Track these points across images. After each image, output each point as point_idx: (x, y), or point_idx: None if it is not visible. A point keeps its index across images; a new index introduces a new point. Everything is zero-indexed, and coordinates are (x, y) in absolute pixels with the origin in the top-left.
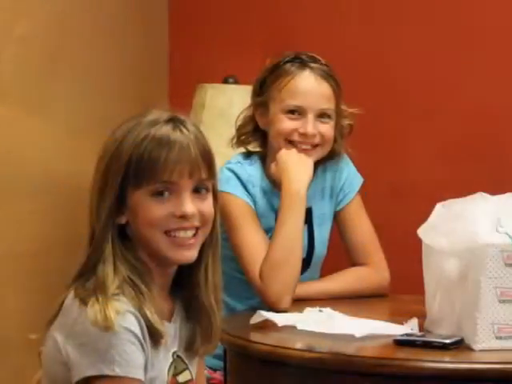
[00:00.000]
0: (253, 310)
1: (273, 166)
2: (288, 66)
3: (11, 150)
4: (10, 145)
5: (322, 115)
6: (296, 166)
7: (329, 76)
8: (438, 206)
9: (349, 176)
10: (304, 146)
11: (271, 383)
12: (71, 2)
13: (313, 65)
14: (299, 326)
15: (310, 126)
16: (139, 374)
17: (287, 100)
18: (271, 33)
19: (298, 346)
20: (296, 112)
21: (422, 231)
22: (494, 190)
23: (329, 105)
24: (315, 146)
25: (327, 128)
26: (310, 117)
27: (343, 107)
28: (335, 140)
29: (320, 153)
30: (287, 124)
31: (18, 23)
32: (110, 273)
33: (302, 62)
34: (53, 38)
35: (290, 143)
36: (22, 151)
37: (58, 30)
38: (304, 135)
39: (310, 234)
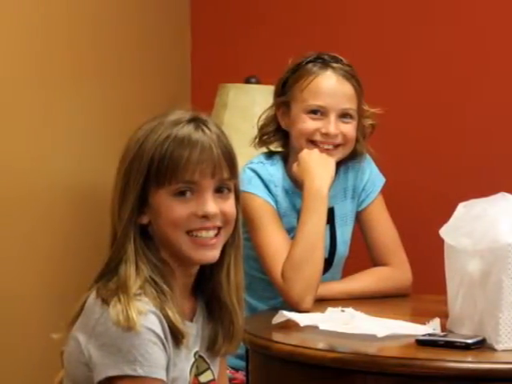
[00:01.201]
0: (275, 310)
1: (295, 166)
2: (310, 65)
3: (36, 159)
4: (35, 154)
5: (344, 115)
6: (318, 166)
7: (351, 76)
8: (460, 206)
9: (371, 176)
10: (326, 146)
11: (293, 383)
12: (97, 3)
13: (335, 65)
14: (321, 326)
15: (332, 125)
16: (161, 374)
17: (309, 100)
18: (293, 33)
19: (320, 346)
20: (318, 112)
21: (445, 231)
22: None
23: (351, 105)
24: (337, 145)
25: (349, 128)
26: (332, 117)
27: (365, 107)
28: (357, 140)
29: (342, 153)
30: (309, 124)
31: (40, 30)
32: (132, 273)
33: (324, 62)
34: (75, 38)
35: (312, 143)
36: (47, 160)
37: (81, 31)
38: (326, 135)
39: (332, 234)
